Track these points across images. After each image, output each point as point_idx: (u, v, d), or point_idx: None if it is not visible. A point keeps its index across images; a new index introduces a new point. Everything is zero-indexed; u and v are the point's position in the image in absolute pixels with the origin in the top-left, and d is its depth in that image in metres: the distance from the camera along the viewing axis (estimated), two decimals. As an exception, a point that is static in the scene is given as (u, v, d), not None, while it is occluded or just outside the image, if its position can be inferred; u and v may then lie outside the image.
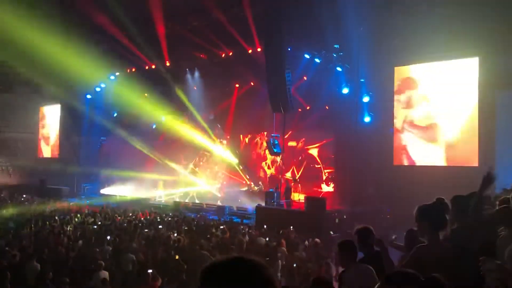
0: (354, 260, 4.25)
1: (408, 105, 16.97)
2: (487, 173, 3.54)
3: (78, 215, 15.58)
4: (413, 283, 1.67)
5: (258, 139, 24.95)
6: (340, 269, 4.66)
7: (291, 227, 12.83)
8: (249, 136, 25.45)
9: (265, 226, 13.76)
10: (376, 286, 1.72)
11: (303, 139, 22.44)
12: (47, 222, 13.25)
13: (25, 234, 11.06)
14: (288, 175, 22.03)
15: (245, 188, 23.35)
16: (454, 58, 15.91)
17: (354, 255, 4.28)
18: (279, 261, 8.64)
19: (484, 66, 14.96)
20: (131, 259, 7.71)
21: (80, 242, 10.00)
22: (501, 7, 13.41)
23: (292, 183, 20.07)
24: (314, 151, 22.25)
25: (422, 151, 16.55)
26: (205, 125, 24.63)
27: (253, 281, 1.35)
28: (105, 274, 6.68)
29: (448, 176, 14.09)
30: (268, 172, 24.17)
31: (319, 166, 21.81)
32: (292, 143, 22.61)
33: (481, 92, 15.09)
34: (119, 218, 14.97)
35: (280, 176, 20.65)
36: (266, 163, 24.43)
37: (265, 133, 23.38)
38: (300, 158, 22.64)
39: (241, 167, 24.81)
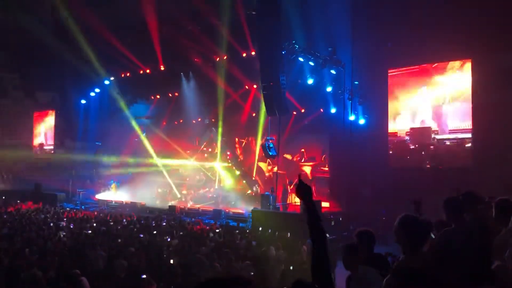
0: (360, 262, 4.25)
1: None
2: None
3: (73, 220, 15.47)
4: (420, 280, 1.75)
5: (253, 142, 24.89)
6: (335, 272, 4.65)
7: (288, 233, 12.70)
8: (245, 139, 25.41)
9: (260, 229, 13.72)
10: (385, 280, 1.79)
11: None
12: (43, 227, 13.12)
13: (19, 240, 10.94)
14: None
15: (240, 192, 23.33)
16: (447, 60, 16.02)
17: (359, 257, 4.28)
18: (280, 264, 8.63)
19: (477, 68, 15.06)
20: (125, 265, 7.63)
21: (74, 247, 9.91)
22: (492, 11, 13.56)
23: (289, 186, 20.01)
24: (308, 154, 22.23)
25: (415, 153, 16.61)
26: None
27: None
28: (84, 281, 6.55)
29: (442, 177, 14.13)
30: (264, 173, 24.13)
31: (314, 169, 21.78)
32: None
33: (475, 93, 15.17)
34: (113, 223, 14.87)
35: (276, 179, 20.57)
36: (261, 166, 24.38)
37: (260, 136, 23.32)
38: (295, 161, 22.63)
39: (236, 171, 24.74)
